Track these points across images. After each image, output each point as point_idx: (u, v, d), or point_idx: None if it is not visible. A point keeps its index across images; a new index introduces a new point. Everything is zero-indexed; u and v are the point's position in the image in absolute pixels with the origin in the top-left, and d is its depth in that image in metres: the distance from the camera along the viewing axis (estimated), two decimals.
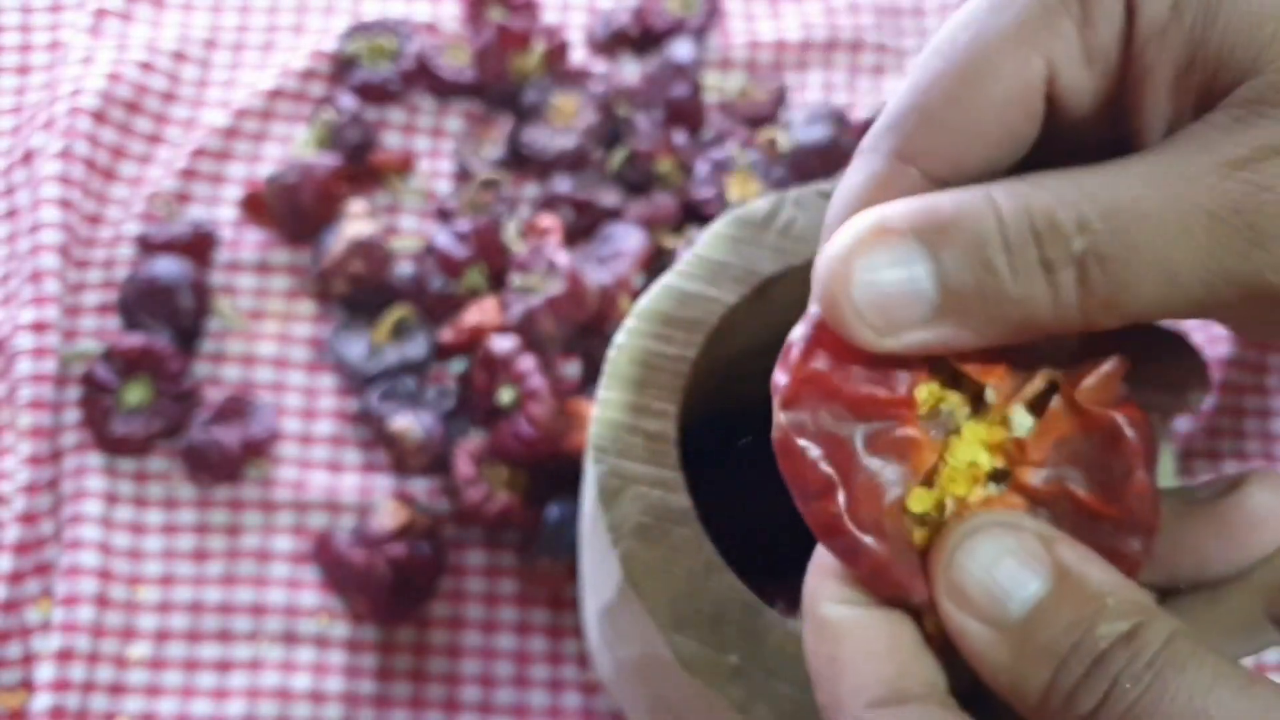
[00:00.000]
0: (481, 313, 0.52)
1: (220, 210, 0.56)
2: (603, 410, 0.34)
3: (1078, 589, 0.19)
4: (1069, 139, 0.22)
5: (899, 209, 0.20)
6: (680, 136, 0.57)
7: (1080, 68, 0.21)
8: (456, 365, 0.53)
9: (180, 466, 0.51)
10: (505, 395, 0.49)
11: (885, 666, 0.20)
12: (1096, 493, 0.21)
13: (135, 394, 0.51)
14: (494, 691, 0.48)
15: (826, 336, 0.21)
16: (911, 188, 0.22)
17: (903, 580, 0.21)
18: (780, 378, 0.21)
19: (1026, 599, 0.20)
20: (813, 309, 0.21)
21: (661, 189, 0.57)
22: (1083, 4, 0.21)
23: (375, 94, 0.59)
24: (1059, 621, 0.19)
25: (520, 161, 0.58)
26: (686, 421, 0.35)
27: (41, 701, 0.46)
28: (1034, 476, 0.21)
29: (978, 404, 0.22)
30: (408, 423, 0.51)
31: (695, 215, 0.56)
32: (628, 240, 0.54)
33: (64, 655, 0.47)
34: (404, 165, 0.58)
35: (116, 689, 0.47)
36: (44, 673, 0.47)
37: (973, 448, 0.22)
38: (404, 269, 0.55)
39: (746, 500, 0.41)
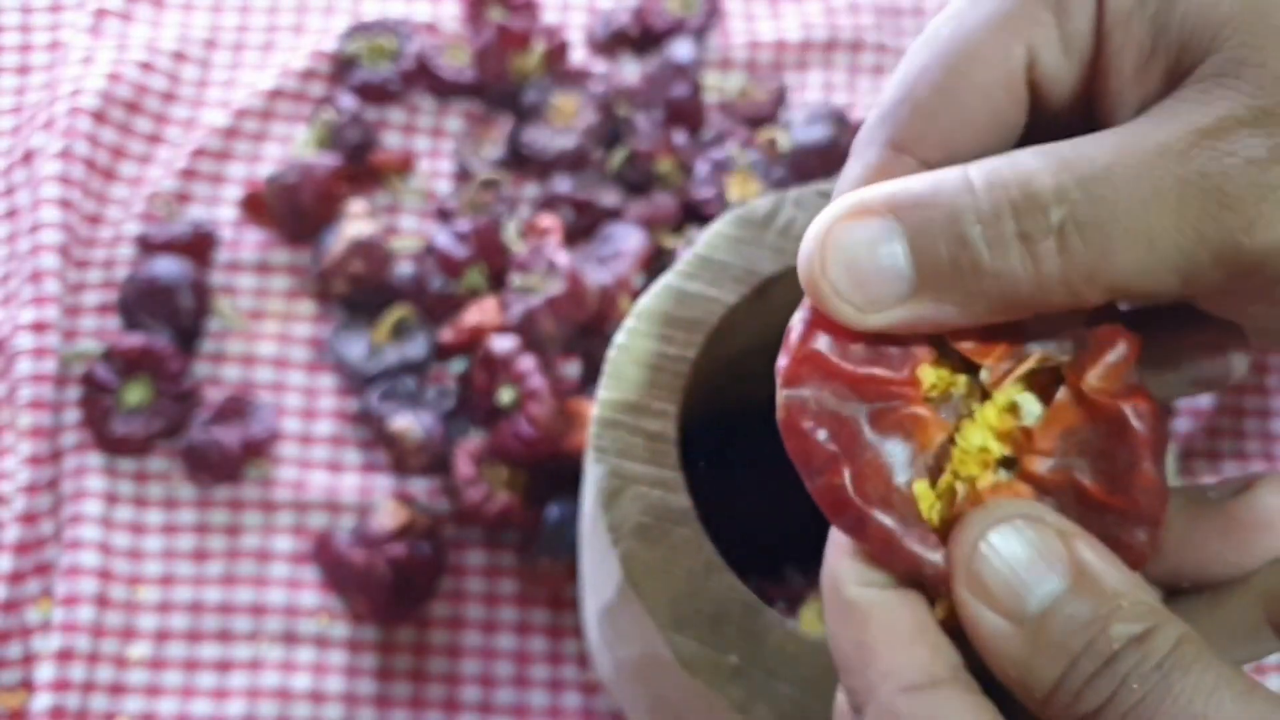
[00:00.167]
0: (481, 313, 0.52)
1: (220, 210, 0.56)
2: (603, 410, 0.34)
3: (1094, 588, 0.20)
4: (1054, 128, 0.22)
5: (876, 189, 0.21)
6: (680, 136, 0.57)
7: (1058, 54, 0.22)
8: (456, 365, 0.53)
9: (180, 466, 0.51)
10: (505, 395, 0.49)
11: (915, 650, 0.21)
12: (1102, 483, 0.21)
13: (135, 394, 0.51)
14: (494, 691, 0.48)
15: (824, 319, 0.21)
16: (907, 175, 0.22)
17: (914, 552, 0.21)
18: (781, 360, 0.21)
19: (1044, 595, 0.20)
20: None
21: (661, 189, 0.57)
22: None
23: (375, 94, 0.59)
24: (1075, 620, 0.19)
25: (520, 161, 0.58)
26: (686, 421, 0.35)
27: (41, 701, 0.46)
28: (1041, 465, 0.21)
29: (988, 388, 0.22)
30: (408, 423, 0.51)
31: (695, 215, 0.56)
32: (628, 240, 0.54)
33: (64, 655, 0.47)
34: (404, 165, 0.58)
35: (116, 689, 0.47)
36: (44, 673, 0.47)
37: (983, 432, 0.22)
38: (404, 269, 0.55)
39: (746, 500, 0.41)
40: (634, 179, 0.57)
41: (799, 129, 0.58)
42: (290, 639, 0.49)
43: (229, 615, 0.49)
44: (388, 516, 0.49)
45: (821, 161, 0.57)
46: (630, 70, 0.61)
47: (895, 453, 0.21)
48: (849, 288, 0.21)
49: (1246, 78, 0.20)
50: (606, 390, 0.34)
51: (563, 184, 0.56)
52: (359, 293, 0.54)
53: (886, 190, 0.21)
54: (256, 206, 0.56)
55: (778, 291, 0.36)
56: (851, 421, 0.21)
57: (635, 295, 0.52)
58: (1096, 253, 0.20)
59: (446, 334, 0.53)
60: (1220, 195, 0.19)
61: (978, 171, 0.20)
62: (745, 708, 0.30)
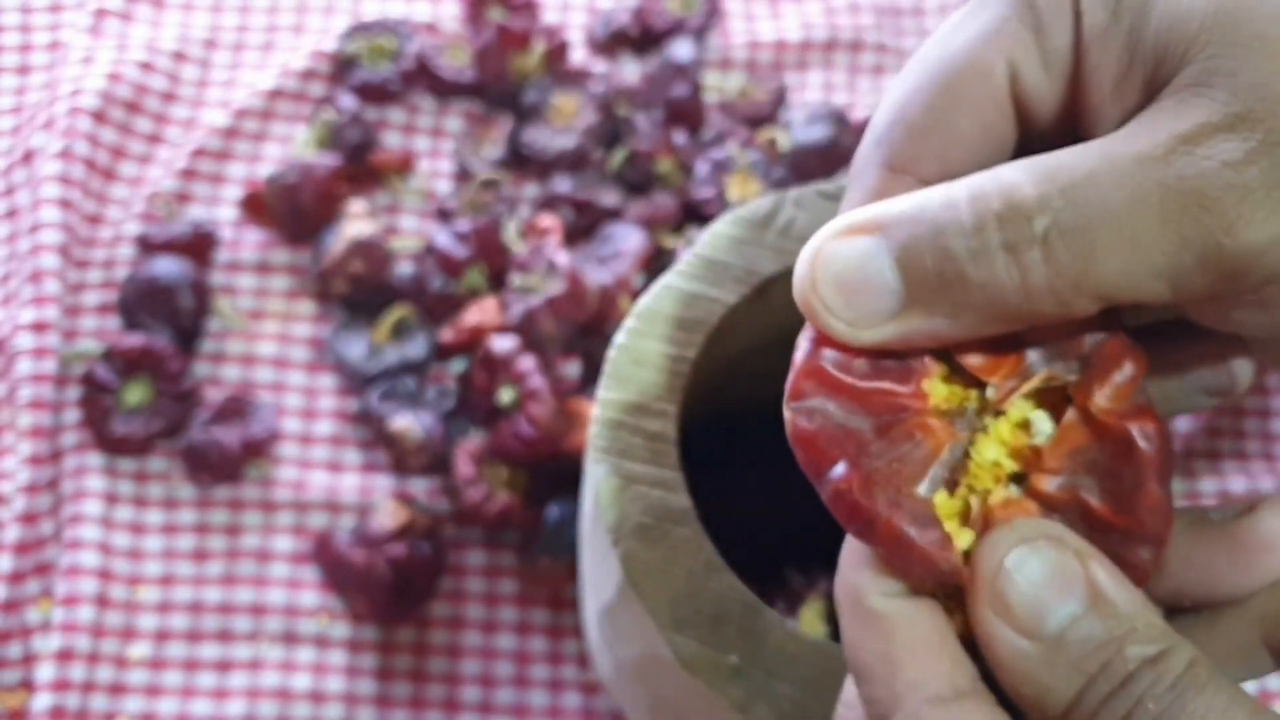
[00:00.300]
0: (481, 313, 0.52)
1: (220, 210, 0.56)
2: (603, 410, 0.34)
3: (1110, 610, 0.20)
4: (1042, 144, 0.23)
5: (865, 209, 0.22)
6: (680, 136, 0.57)
7: (1040, 71, 0.22)
8: (456, 365, 0.53)
9: (180, 466, 0.51)
10: (505, 395, 0.49)
11: (940, 662, 0.21)
12: (1109, 503, 0.21)
13: (135, 394, 0.51)
14: (494, 691, 0.48)
15: (827, 336, 0.22)
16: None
17: (928, 552, 0.21)
18: (790, 376, 0.22)
19: (1063, 615, 0.20)
20: None
21: (661, 189, 0.57)
22: (1035, 12, 0.22)
23: (375, 94, 0.59)
24: (1091, 640, 0.20)
25: (520, 161, 0.58)
26: (686, 421, 0.35)
27: (42, 701, 0.46)
28: (1049, 483, 0.22)
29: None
30: (408, 423, 0.51)
31: (695, 215, 0.56)
32: (628, 240, 0.54)
33: (64, 655, 0.47)
34: (404, 165, 0.58)
35: (116, 689, 0.47)
36: (44, 673, 0.47)
37: (996, 447, 0.22)
38: (404, 269, 0.55)
39: (746, 500, 0.41)
40: (634, 179, 0.57)
41: (799, 129, 0.58)
42: (290, 639, 0.49)
43: (229, 615, 0.49)
44: (388, 516, 0.49)
45: (821, 161, 0.57)
46: (630, 70, 0.61)
47: (905, 460, 0.21)
48: (840, 305, 0.21)
49: (1220, 86, 0.20)
50: (606, 390, 0.34)
51: (563, 184, 0.56)
52: (359, 293, 0.54)
53: (874, 209, 0.21)
54: (256, 206, 0.56)
55: (778, 291, 0.36)
56: (859, 433, 0.21)
57: (635, 295, 0.52)
58: (1082, 259, 0.20)
59: (446, 334, 0.53)
60: (1199, 197, 0.19)
61: (960, 186, 0.21)
62: (745, 708, 0.30)
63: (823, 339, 0.22)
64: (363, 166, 0.57)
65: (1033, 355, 0.22)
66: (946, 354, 0.22)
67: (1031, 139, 0.23)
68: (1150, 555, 0.21)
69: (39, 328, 0.52)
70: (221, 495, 0.51)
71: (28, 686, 0.47)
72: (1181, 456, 0.54)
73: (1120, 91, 0.22)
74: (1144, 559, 0.21)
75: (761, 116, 0.60)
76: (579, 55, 0.62)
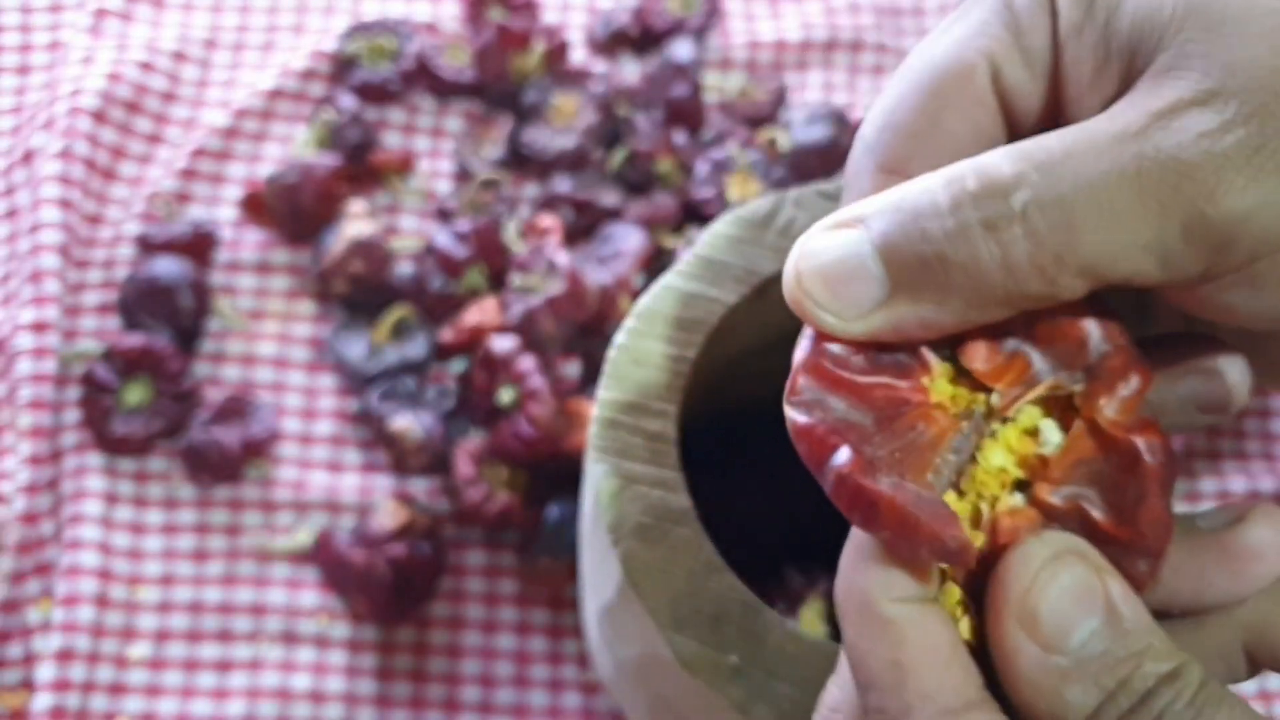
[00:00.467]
0: (481, 313, 0.52)
1: (220, 210, 0.56)
2: (603, 410, 0.34)
3: (1127, 627, 0.20)
4: None
5: (848, 207, 0.22)
6: (680, 136, 0.57)
7: (1021, 69, 0.23)
8: (456, 365, 0.53)
9: (180, 466, 0.51)
10: (505, 395, 0.49)
11: (951, 671, 0.21)
12: (1111, 515, 0.21)
13: (135, 394, 0.51)
14: (494, 691, 0.48)
15: (825, 333, 0.22)
16: None
17: (935, 529, 0.20)
18: (790, 374, 0.22)
19: (1085, 632, 0.20)
20: None
21: (661, 189, 0.57)
22: (1014, 13, 0.23)
23: (375, 94, 0.59)
24: (1111, 655, 0.20)
25: (520, 161, 0.58)
26: (686, 421, 0.35)
27: (42, 701, 0.46)
28: (1052, 494, 0.22)
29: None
30: (408, 423, 0.51)
31: (695, 215, 0.56)
32: (628, 240, 0.54)
33: (64, 655, 0.47)
34: (404, 165, 0.58)
35: (116, 689, 0.47)
36: (44, 673, 0.47)
37: (1003, 454, 0.22)
38: (404, 269, 0.55)
39: (746, 500, 0.41)
40: (634, 179, 0.57)
41: (799, 129, 0.58)
42: (290, 639, 0.49)
43: (229, 615, 0.49)
44: (388, 516, 0.49)
45: (821, 161, 0.57)
46: (630, 70, 0.61)
47: (908, 449, 0.21)
48: (826, 298, 0.21)
49: (1193, 67, 0.20)
50: (606, 390, 0.34)
51: (563, 184, 0.56)
52: (359, 293, 0.54)
53: (856, 205, 0.22)
54: (256, 206, 0.56)
55: (778, 291, 0.36)
56: (861, 426, 0.21)
57: (635, 295, 0.52)
58: (1062, 232, 0.20)
59: (446, 334, 0.53)
60: (1177, 165, 0.20)
61: (938, 173, 0.21)
62: (745, 708, 0.30)
63: (822, 336, 0.22)
64: (363, 166, 0.57)
65: (1038, 364, 0.22)
66: (953, 357, 0.22)
67: (1019, 137, 0.23)
68: (1147, 568, 0.21)
69: (39, 328, 0.52)
70: (221, 495, 0.51)
71: (28, 686, 0.47)
72: (1182, 456, 0.54)
73: (1098, 84, 0.22)
74: (1141, 571, 0.21)
75: (761, 116, 0.60)
76: (579, 55, 0.62)
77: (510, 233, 0.54)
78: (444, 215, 0.57)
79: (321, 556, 0.49)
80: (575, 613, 0.50)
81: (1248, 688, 0.49)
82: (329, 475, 0.52)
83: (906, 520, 0.20)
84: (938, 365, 0.22)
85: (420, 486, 0.51)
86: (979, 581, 0.22)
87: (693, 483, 0.33)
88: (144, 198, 0.56)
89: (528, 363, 0.49)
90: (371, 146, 0.58)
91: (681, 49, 0.60)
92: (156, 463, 0.51)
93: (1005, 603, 0.21)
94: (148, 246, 0.54)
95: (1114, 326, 0.22)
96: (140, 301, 0.52)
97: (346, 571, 0.48)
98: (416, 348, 0.53)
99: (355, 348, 0.53)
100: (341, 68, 0.59)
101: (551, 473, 0.50)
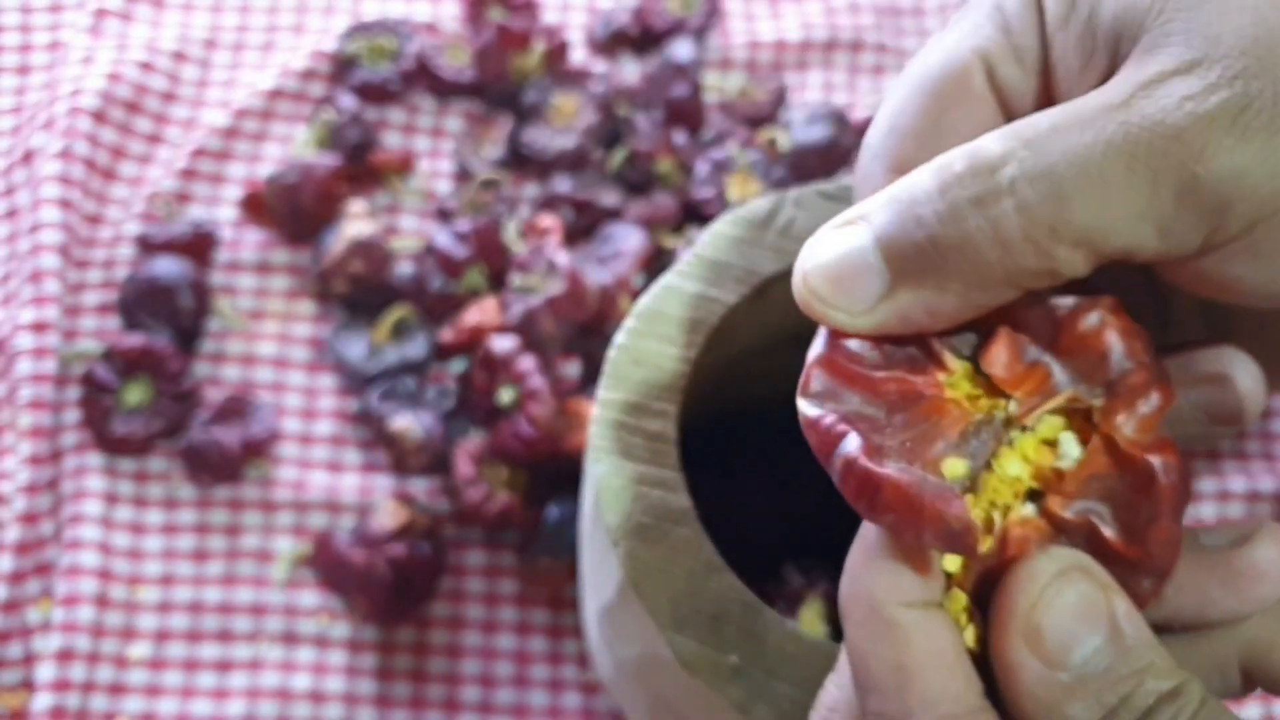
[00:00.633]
0: (481, 313, 0.52)
1: (220, 210, 0.56)
2: (603, 410, 0.34)
3: (1130, 644, 0.20)
4: None
5: (855, 206, 0.22)
6: (680, 136, 0.57)
7: (1013, 67, 0.23)
8: (456, 365, 0.53)
9: (180, 466, 0.51)
10: (505, 395, 0.49)
11: (955, 678, 0.21)
12: (1121, 534, 0.21)
13: (135, 394, 0.51)
14: (494, 691, 0.48)
15: (839, 330, 0.22)
16: None
17: (939, 509, 0.20)
18: (803, 371, 0.22)
19: (1089, 649, 0.20)
20: None
21: (661, 189, 0.57)
22: (1004, 14, 0.24)
23: (375, 94, 0.59)
24: (1114, 673, 0.20)
25: (520, 161, 0.58)
26: (686, 421, 0.35)
27: (42, 701, 0.46)
28: (1065, 507, 0.22)
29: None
30: (408, 423, 0.51)
31: (695, 215, 0.56)
32: (628, 240, 0.54)
33: (64, 655, 0.47)
34: (404, 165, 0.58)
35: (116, 689, 0.47)
36: (44, 673, 0.47)
37: (1019, 463, 0.22)
38: (404, 269, 0.55)
39: (746, 500, 0.41)
40: (634, 179, 0.57)
41: (799, 129, 0.58)
42: (290, 639, 0.49)
43: (229, 615, 0.49)
44: (388, 516, 0.49)
45: (821, 161, 0.57)
46: (630, 70, 0.61)
47: (920, 439, 0.21)
48: (832, 294, 0.22)
49: (1174, 43, 0.20)
50: (606, 390, 0.34)
51: (563, 184, 0.56)
52: (359, 293, 0.54)
53: (859, 204, 0.22)
54: (256, 206, 0.56)
55: (778, 291, 0.36)
56: (874, 418, 0.21)
57: (635, 295, 0.52)
58: (1053, 203, 0.20)
59: (446, 334, 0.53)
60: (1163, 129, 0.20)
61: (930, 162, 0.21)
62: (745, 708, 0.30)
63: (836, 334, 0.22)
64: (363, 166, 0.57)
65: (1058, 375, 0.22)
66: (973, 359, 0.22)
67: None
68: (1152, 586, 0.21)
69: (39, 328, 0.52)
70: (221, 495, 0.51)
71: (28, 686, 0.47)
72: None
73: (1086, 74, 0.22)
74: (1145, 589, 0.21)
75: (761, 116, 0.60)
76: (579, 55, 0.62)
77: (510, 233, 0.54)
78: (444, 215, 0.57)
79: (321, 556, 0.49)
80: (575, 613, 0.50)
81: (1253, 712, 0.48)
82: (329, 475, 0.52)
83: (910, 501, 0.20)
84: (955, 362, 0.22)
85: (420, 486, 0.51)
86: (985, 590, 0.21)
87: (693, 483, 0.33)
88: (144, 198, 0.56)
89: (528, 363, 0.49)
90: (371, 146, 0.58)
91: (681, 49, 0.60)
92: (156, 463, 0.51)
93: (1010, 617, 0.20)
94: (148, 246, 0.54)
95: (1138, 342, 0.22)
96: (140, 301, 0.52)
97: (346, 571, 0.48)
98: (416, 348, 0.53)
99: (355, 348, 0.53)
100: (341, 68, 0.59)
101: (551, 473, 0.50)
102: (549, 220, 0.54)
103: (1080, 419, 0.22)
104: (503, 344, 0.50)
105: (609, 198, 0.56)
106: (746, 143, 0.57)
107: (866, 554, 0.21)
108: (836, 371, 0.21)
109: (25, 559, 0.49)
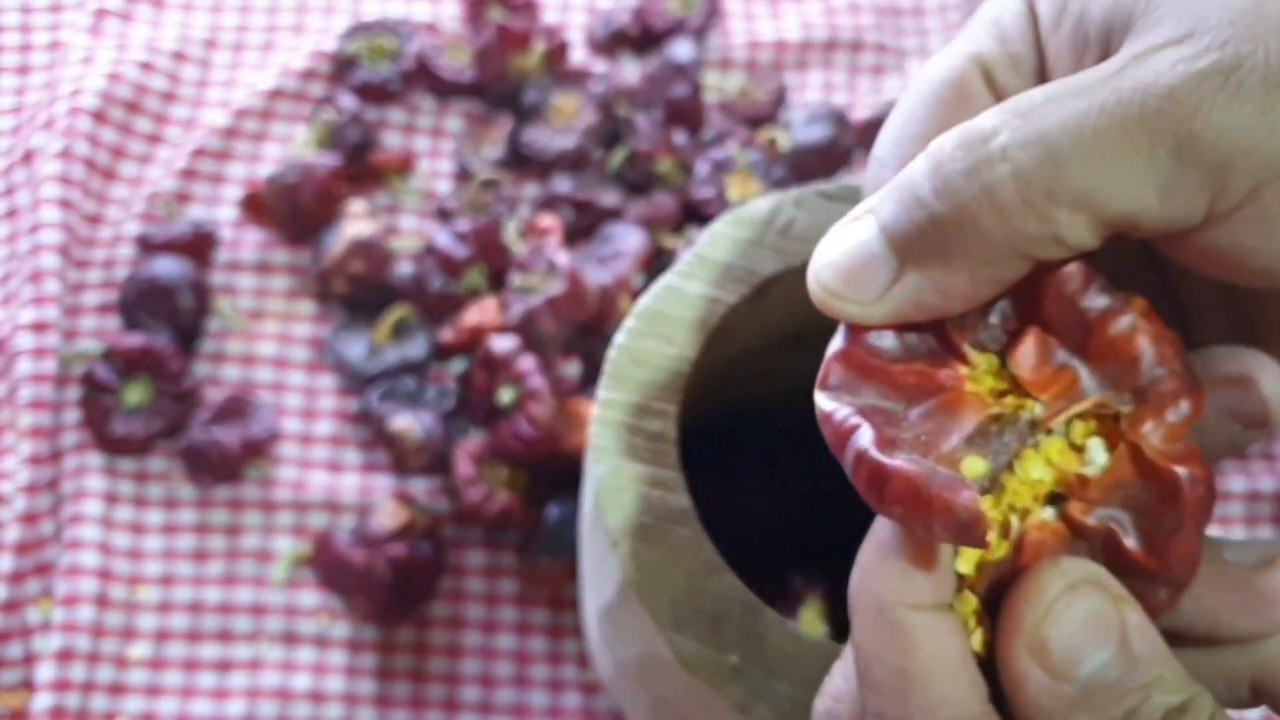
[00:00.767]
0: (481, 313, 0.52)
1: (220, 210, 0.56)
2: (603, 410, 0.34)
3: (1139, 657, 0.20)
4: None
5: (863, 202, 0.22)
6: (680, 136, 0.57)
7: (1011, 73, 0.24)
8: (456, 365, 0.53)
9: (180, 466, 0.51)
10: (505, 395, 0.49)
11: (959, 685, 0.20)
12: (1142, 544, 0.21)
13: (135, 394, 0.51)
14: (494, 691, 0.48)
15: (857, 325, 0.22)
16: None
17: (948, 500, 0.19)
18: (822, 366, 0.22)
19: (1096, 662, 0.20)
20: None
21: (661, 189, 0.57)
22: (999, 25, 0.24)
23: (375, 94, 0.59)
24: (1121, 686, 0.20)
25: (520, 161, 0.58)
26: (686, 421, 0.35)
27: (42, 701, 0.46)
28: (1086, 514, 0.21)
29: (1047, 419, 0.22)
30: (408, 423, 0.51)
31: (695, 215, 0.56)
32: (628, 240, 0.54)
33: (64, 655, 0.47)
34: (404, 165, 0.58)
35: (116, 689, 0.47)
36: (44, 673, 0.47)
37: (1043, 466, 0.21)
38: (404, 269, 0.55)
39: (746, 500, 0.41)
40: (634, 179, 0.57)
41: (799, 129, 0.58)
42: (290, 639, 0.49)
43: (229, 615, 0.49)
44: (388, 516, 0.49)
45: (821, 161, 0.57)
46: (630, 70, 0.61)
47: (935, 432, 0.21)
48: (843, 287, 0.22)
49: (1164, 24, 0.20)
50: (606, 390, 0.34)
51: (563, 184, 0.56)
52: (359, 293, 0.54)
53: (866, 200, 0.22)
54: (256, 206, 0.56)
55: (778, 291, 0.36)
56: (888, 411, 0.21)
57: (635, 295, 0.52)
58: (1049, 165, 0.20)
59: (446, 334, 0.53)
60: (1157, 90, 0.20)
61: (926, 148, 0.22)
62: (745, 708, 0.30)
63: (855, 330, 0.22)
64: (363, 166, 0.57)
65: (1086, 379, 0.22)
66: (1001, 355, 0.22)
67: None
68: (1168, 597, 0.21)
69: (39, 328, 0.52)
70: (221, 495, 0.51)
71: (28, 686, 0.47)
72: None
73: (1081, 69, 0.22)
74: (1161, 600, 0.21)
75: (761, 116, 0.60)
76: (579, 55, 0.62)
77: (510, 233, 0.54)
78: (444, 215, 0.57)
79: (321, 556, 0.49)
80: (575, 613, 0.50)
81: (1253, 715, 0.48)
82: (329, 475, 0.52)
83: (918, 492, 0.19)
84: (977, 356, 0.22)
85: (420, 486, 0.51)
86: (997, 594, 0.21)
87: (693, 483, 0.33)
88: (144, 198, 0.56)
89: (528, 363, 0.49)
90: (371, 146, 0.58)
91: (681, 49, 0.60)
92: (156, 463, 0.51)
93: (1017, 629, 0.20)
94: (148, 246, 0.54)
95: (1169, 348, 0.21)
96: (140, 301, 0.52)
97: (346, 571, 0.48)
98: (416, 348, 0.53)
99: (355, 348, 0.53)
100: (341, 68, 0.59)
101: (551, 473, 0.50)
102: (549, 220, 0.54)
103: (1107, 424, 0.22)
104: (503, 344, 0.50)
105: (609, 198, 0.56)
106: (746, 143, 0.57)
107: (878, 552, 0.21)
108: (854, 365, 0.21)
109: (25, 559, 0.49)
